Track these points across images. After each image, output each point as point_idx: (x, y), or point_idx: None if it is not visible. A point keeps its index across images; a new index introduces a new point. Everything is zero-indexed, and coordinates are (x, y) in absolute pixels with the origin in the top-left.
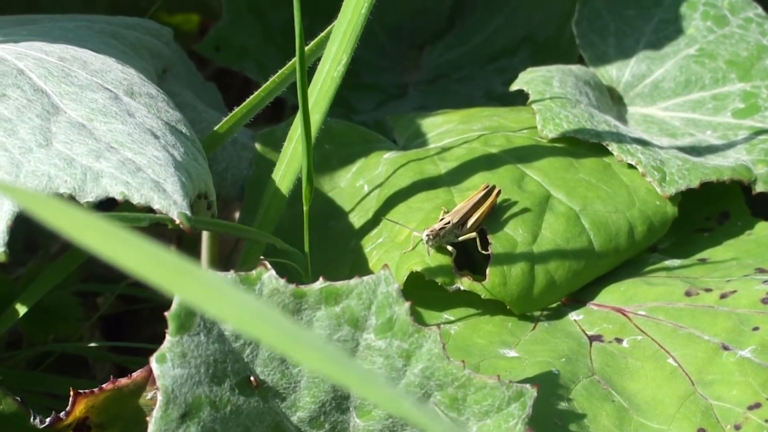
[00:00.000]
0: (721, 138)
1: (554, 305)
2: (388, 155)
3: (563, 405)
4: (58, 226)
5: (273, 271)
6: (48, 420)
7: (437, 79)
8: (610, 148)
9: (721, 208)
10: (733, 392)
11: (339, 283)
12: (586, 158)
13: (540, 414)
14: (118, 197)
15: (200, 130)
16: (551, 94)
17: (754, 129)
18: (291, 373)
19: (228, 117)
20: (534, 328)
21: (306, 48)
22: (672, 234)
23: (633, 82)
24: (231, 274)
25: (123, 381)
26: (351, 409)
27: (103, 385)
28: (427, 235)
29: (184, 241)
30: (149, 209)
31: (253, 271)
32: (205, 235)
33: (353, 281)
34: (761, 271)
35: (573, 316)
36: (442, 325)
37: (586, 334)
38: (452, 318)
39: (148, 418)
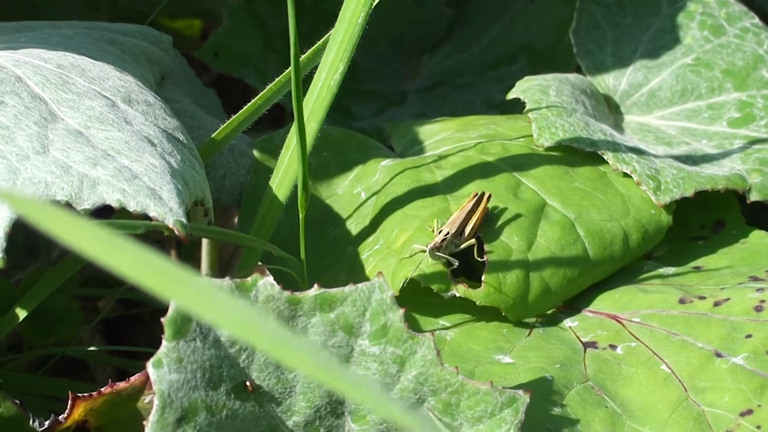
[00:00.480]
0: (716, 147)
1: (549, 312)
2: (385, 163)
3: (557, 411)
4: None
5: (269, 278)
6: (47, 423)
7: (436, 87)
8: (605, 157)
9: (716, 216)
10: (725, 399)
11: (334, 290)
12: (582, 167)
13: (533, 419)
14: (115, 204)
15: (198, 136)
16: (547, 102)
17: (750, 138)
18: (286, 378)
19: (225, 124)
20: (529, 334)
21: (303, 56)
22: (667, 242)
23: (630, 90)
24: (227, 280)
25: (121, 385)
26: (346, 413)
27: (102, 389)
28: (431, 251)
29: (183, 247)
30: (146, 216)
31: (249, 278)
32: (204, 240)
33: (348, 288)
34: (755, 279)
35: (568, 322)
36: (438, 331)
37: (581, 341)
38: (448, 324)
39: (144, 422)
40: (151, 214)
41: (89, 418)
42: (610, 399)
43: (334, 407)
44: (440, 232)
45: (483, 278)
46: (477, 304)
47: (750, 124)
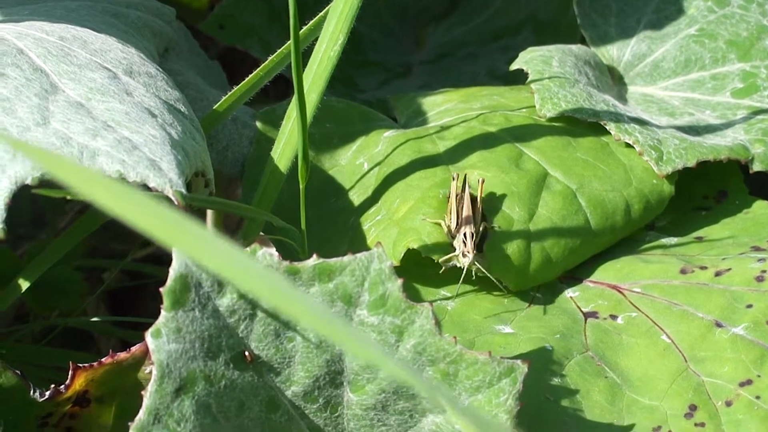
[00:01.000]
0: (719, 117)
1: (550, 282)
2: (388, 133)
3: (556, 381)
4: (70, 183)
5: (270, 248)
6: (48, 393)
7: (441, 58)
8: (608, 128)
9: (719, 186)
10: (725, 369)
11: (332, 260)
12: (584, 137)
13: (532, 389)
14: (114, 175)
15: (201, 108)
16: (550, 73)
17: (753, 108)
18: (285, 348)
19: (227, 96)
20: (530, 304)
21: (304, 28)
22: (670, 212)
23: (633, 61)
24: None
25: (122, 355)
26: (345, 384)
27: (103, 359)
28: (467, 256)
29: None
30: (145, 187)
31: (248, 248)
32: (209, 213)
33: (346, 258)
34: (757, 249)
35: (569, 292)
36: (439, 302)
37: (582, 311)
38: (449, 294)
39: (143, 392)
40: (151, 184)
41: (90, 389)
42: (610, 369)
43: (332, 377)
44: (463, 234)
45: (484, 248)
46: (478, 274)
47: (753, 94)
